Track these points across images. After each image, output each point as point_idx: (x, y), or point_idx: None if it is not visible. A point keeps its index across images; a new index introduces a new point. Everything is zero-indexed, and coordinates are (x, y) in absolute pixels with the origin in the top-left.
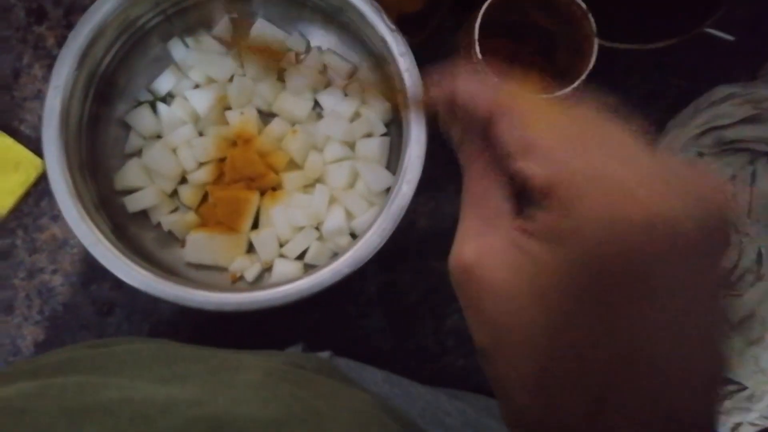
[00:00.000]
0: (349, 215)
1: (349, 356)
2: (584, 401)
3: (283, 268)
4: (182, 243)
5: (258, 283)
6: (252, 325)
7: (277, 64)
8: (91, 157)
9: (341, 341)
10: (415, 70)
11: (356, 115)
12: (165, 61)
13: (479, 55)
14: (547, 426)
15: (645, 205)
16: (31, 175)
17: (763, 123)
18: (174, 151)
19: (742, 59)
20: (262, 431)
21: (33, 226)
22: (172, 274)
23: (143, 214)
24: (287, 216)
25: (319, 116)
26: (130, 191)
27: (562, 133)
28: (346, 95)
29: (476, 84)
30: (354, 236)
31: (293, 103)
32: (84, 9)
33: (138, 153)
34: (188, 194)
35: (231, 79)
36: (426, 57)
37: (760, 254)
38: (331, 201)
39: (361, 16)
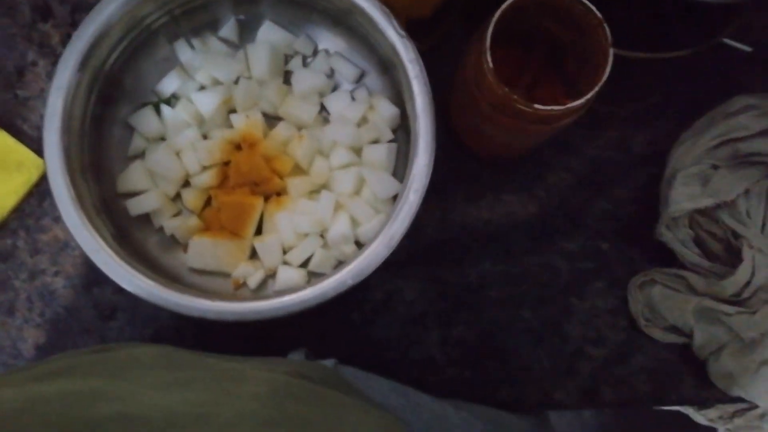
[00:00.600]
0: (355, 222)
1: (353, 364)
2: None
3: (287, 275)
4: (185, 247)
5: (261, 289)
6: (255, 331)
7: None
8: (94, 159)
9: (345, 349)
10: (425, 77)
11: (363, 121)
12: (172, 63)
13: (490, 64)
14: None
15: None
16: (34, 176)
17: None
18: (178, 154)
19: (759, 70)
20: None
21: (35, 227)
22: (174, 279)
23: (146, 218)
24: (292, 222)
25: (326, 121)
26: (133, 194)
27: None
28: (353, 100)
29: None
30: (359, 244)
31: (299, 107)
32: (90, 8)
33: (141, 155)
34: (191, 198)
35: (237, 82)
36: (434, 64)
37: None
38: (337, 208)
39: (370, 20)
